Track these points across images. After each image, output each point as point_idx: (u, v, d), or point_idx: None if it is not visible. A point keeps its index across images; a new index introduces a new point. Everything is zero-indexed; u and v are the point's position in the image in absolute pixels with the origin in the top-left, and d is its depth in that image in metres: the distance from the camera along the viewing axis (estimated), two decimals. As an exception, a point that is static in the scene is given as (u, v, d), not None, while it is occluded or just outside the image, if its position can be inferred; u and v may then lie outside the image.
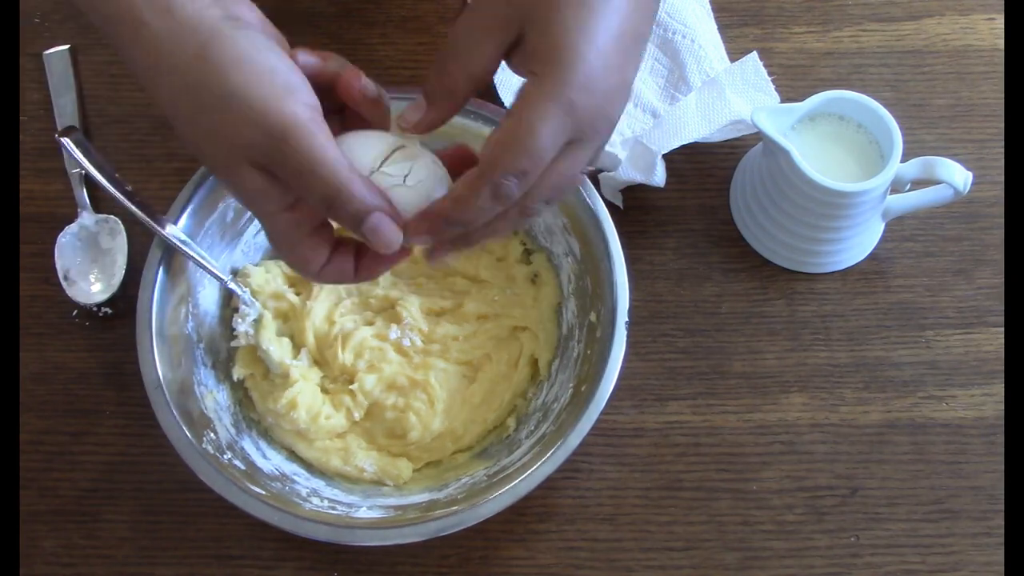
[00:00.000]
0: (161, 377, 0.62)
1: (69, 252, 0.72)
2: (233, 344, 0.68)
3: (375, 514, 0.63)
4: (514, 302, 0.70)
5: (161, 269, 0.65)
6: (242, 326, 0.67)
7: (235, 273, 0.69)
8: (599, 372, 0.62)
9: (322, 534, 0.59)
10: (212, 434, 0.63)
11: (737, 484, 0.67)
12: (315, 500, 0.63)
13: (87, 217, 0.73)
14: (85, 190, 0.74)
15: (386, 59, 0.80)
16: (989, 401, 0.69)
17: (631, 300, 0.63)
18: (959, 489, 0.67)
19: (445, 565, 0.65)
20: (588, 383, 0.63)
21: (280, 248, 0.52)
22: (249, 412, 0.68)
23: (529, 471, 0.60)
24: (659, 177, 0.72)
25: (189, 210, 0.66)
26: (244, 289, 0.68)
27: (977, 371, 0.70)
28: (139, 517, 0.66)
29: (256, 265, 0.70)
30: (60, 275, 0.71)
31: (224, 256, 0.69)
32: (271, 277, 0.70)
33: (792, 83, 0.79)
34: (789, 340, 0.71)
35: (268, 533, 0.65)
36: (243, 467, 0.63)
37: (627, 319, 0.63)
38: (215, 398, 0.66)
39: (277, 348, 0.67)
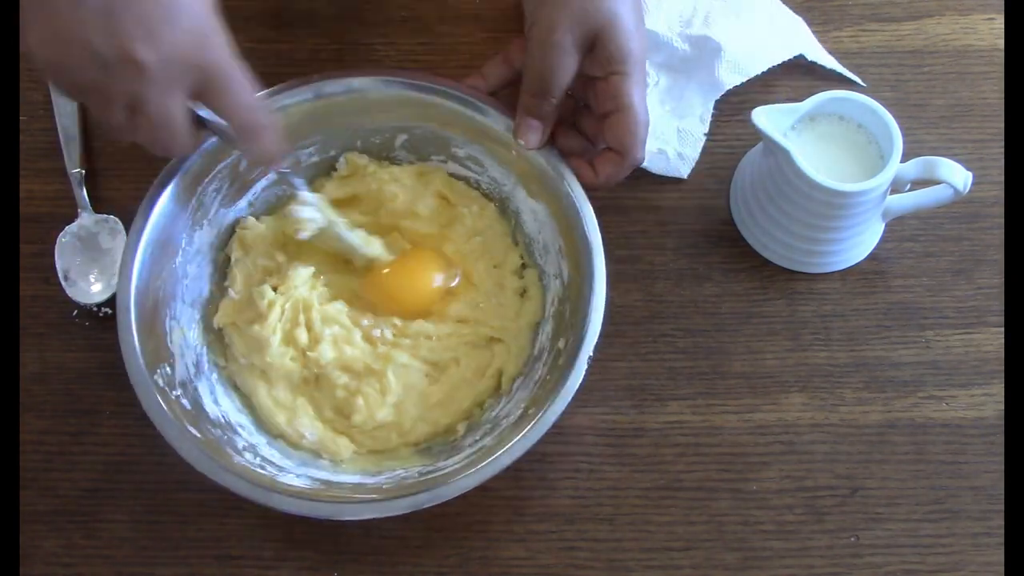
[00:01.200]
0: (134, 284, 0.63)
1: (69, 252, 0.72)
2: (298, 234, 0.68)
3: (301, 483, 0.62)
4: (497, 312, 0.70)
5: (176, 181, 0.65)
6: (305, 212, 0.67)
7: (236, 224, 0.71)
8: (550, 399, 0.61)
9: (242, 489, 0.59)
10: (168, 368, 0.63)
11: (737, 484, 0.67)
12: (248, 455, 0.63)
13: (87, 217, 0.73)
14: (85, 190, 0.74)
15: (386, 59, 0.80)
16: (989, 401, 0.69)
17: (601, 337, 0.62)
18: (959, 489, 0.67)
19: (445, 565, 0.65)
20: (536, 407, 0.62)
21: (161, 138, 0.57)
22: (216, 357, 0.68)
23: (451, 480, 0.60)
24: (685, 165, 0.75)
25: (205, 147, 0.66)
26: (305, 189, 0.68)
27: (977, 371, 0.70)
28: (139, 517, 0.66)
29: (257, 219, 0.71)
30: (60, 275, 0.71)
31: (231, 207, 0.70)
32: (267, 234, 0.70)
33: (792, 83, 0.79)
34: (789, 340, 0.71)
35: (268, 533, 0.65)
36: (189, 407, 0.63)
37: (591, 354, 0.62)
38: (184, 335, 0.66)
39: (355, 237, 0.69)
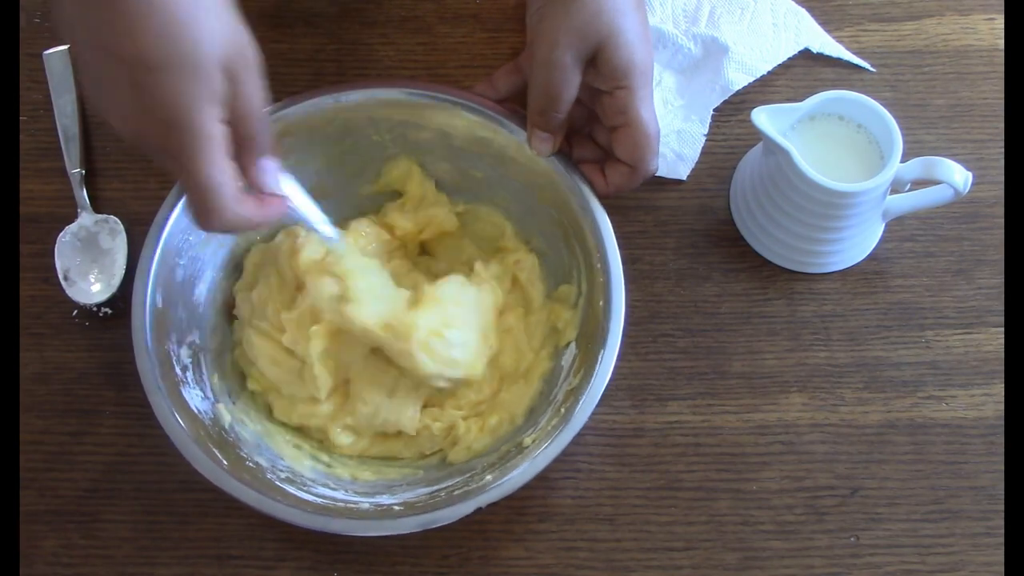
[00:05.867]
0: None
1: (69, 252, 0.72)
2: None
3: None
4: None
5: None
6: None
7: None
8: (481, 487, 0.60)
9: (159, 405, 0.60)
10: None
11: (737, 484, 0.67)
12: (189, 375, 0.64)
13: (87, 217, 0.73)
14: (85, 190, 0.74)
15: (386, 59, 0.80)
16: (989, 401, 0.69)
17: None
18: (959, 489, 0.67)
19: (445, 565, 0.65)
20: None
21: (211, 183, 0.52)
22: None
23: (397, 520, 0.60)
24: (684, 166, 0.75)
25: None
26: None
27: (977, 371, 0.70)
28: (139, 517, 0.66)
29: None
30: (60, 275, 0.71)
31: None
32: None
33: (792, 83, 0.79)
34: (789, 340, 0.71)
35: (268, 533, 0.65)
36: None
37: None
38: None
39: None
